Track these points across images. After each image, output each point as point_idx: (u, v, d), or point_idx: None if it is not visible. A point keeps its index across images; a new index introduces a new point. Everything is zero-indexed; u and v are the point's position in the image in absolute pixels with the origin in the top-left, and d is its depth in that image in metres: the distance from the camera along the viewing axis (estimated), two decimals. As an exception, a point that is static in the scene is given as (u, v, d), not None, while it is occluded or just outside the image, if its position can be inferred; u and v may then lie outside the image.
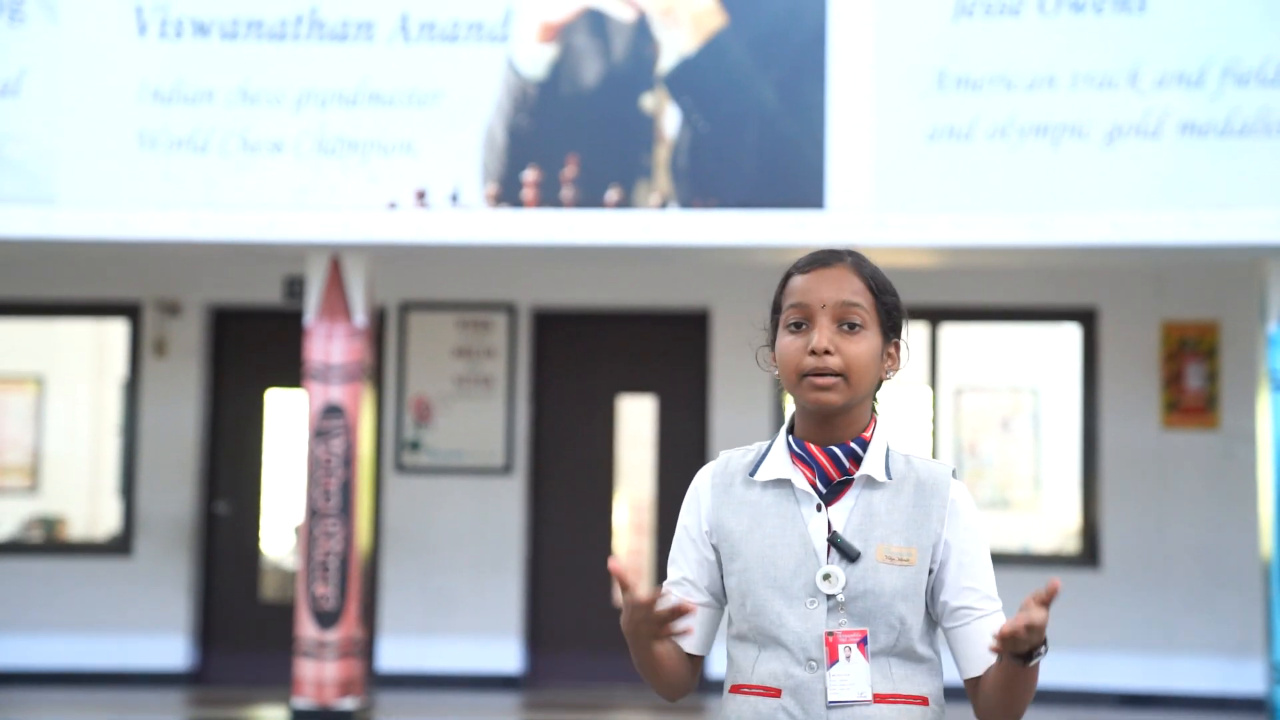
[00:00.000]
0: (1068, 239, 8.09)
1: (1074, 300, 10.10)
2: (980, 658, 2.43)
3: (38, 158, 8.32)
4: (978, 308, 10.23)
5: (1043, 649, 2.29)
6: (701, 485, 2.55)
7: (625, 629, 2.39)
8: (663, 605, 2.31)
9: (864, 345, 2.43)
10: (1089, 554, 9.93)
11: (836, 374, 2.40)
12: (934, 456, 9.35)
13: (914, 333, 10.14)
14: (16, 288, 10.42)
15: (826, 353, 2.40)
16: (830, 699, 2.38)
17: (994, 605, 2.46)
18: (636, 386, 10.50)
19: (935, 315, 10.16)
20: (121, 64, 8.39)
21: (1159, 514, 9.81)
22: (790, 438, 2.50)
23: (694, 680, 2.56)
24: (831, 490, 2.45)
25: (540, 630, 10.27)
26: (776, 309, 2.53)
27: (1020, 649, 2.25)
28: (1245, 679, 9.39)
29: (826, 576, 2.40)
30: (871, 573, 2.40)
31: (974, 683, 2.46)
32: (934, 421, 10.20)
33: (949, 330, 10.31)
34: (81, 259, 9.91)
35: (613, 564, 2.30)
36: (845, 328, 2.43)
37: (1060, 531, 10.30)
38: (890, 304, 2.48)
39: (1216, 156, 8.00)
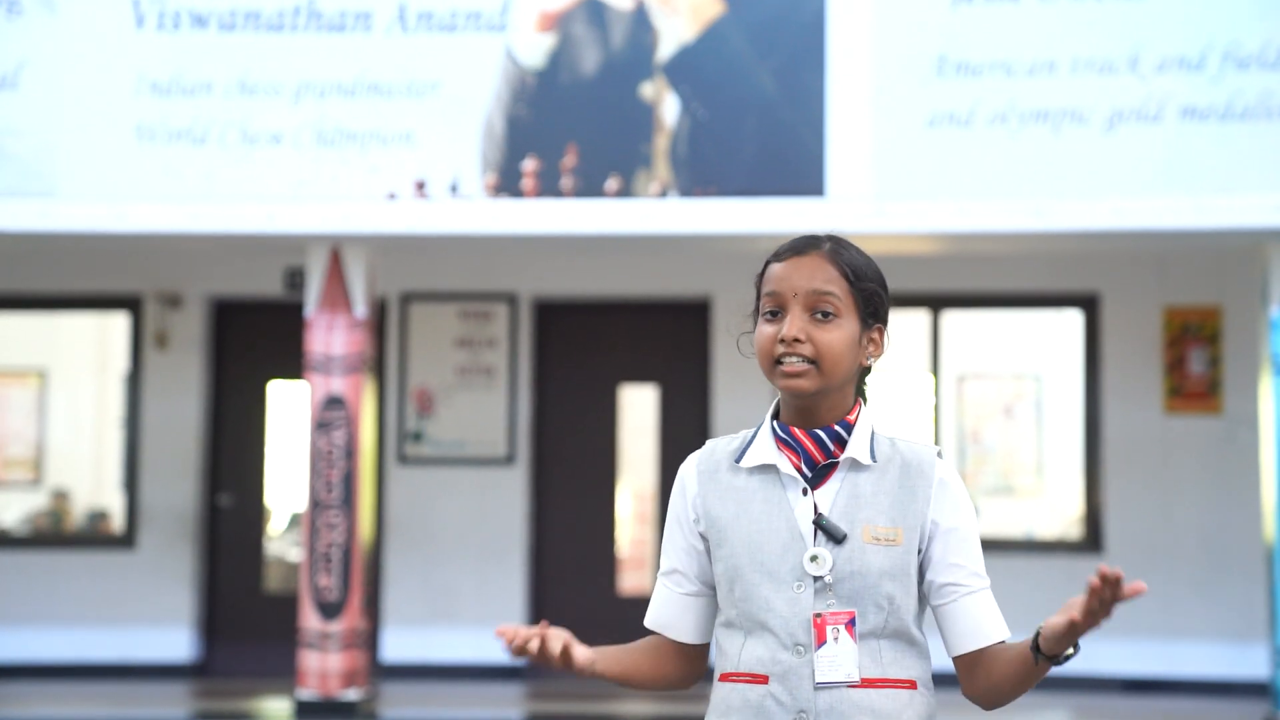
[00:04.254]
0: (1069, 225, 8.08)
1: (1076, 286, 10.09)
2: (967, 634, 2.44)
3: (36, 151, 8.31)
4: (979, 294, 10.22)
5: (1074, 650, 2.38)
6: (687, 474, 2.59)
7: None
8: (514, 645, 2.48)
9: (836, 334, 2.44)
10: (1092, 540, 9.92)
11: (808, 360, 2.42)
12: (936, 443, 9.34)
13: (916, 320, 10.14)
14: (17, 281, 10.42)
15: (796, 340, 2.43)
16: (817, 680, 2.38)
17: (982, 583, 2.46)
18: (638, 376, 10.49)
19: (937, 302, 10.15)
20: (119, 56, 8.38)
21: (1162, 499, 9.80)
22: (775, 423, 2.52)
23: (700, 668, 2.59)
24: (817, 474, 2.46)
25: (543, 620, 10.26)
26: (759, 295, 2.56)
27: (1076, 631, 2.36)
28: (1249, 663, 9.39)
29: (814, 558, 2.40)
30: (858, 554, 2.40)
31: (962, 659, 2.46)
32: (936, 409, 10.19)
33: (951, 317, 10.29)
34: (82, 252, 9.91)
35: (499, 630, 2.46)
36: (818, 316, 2.45)
37: (1063, 518, 10.29)
38: (869, 290, 2.48)
39: (1217, 141, 7.98)
